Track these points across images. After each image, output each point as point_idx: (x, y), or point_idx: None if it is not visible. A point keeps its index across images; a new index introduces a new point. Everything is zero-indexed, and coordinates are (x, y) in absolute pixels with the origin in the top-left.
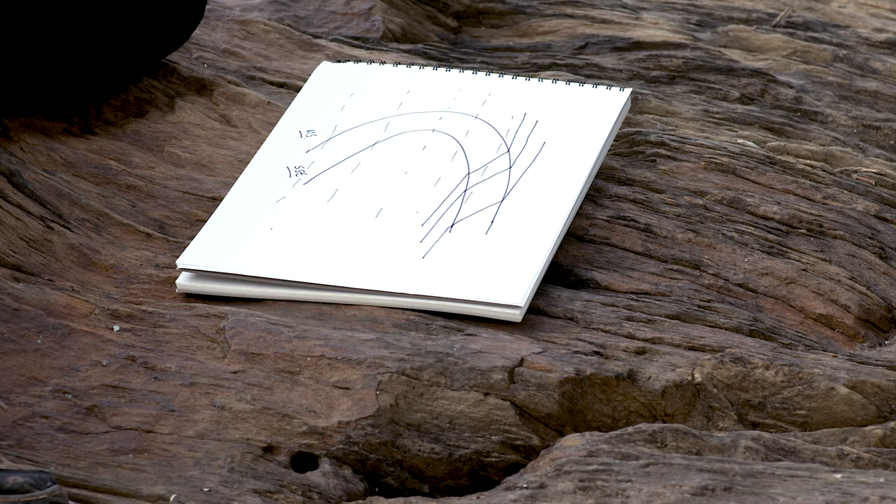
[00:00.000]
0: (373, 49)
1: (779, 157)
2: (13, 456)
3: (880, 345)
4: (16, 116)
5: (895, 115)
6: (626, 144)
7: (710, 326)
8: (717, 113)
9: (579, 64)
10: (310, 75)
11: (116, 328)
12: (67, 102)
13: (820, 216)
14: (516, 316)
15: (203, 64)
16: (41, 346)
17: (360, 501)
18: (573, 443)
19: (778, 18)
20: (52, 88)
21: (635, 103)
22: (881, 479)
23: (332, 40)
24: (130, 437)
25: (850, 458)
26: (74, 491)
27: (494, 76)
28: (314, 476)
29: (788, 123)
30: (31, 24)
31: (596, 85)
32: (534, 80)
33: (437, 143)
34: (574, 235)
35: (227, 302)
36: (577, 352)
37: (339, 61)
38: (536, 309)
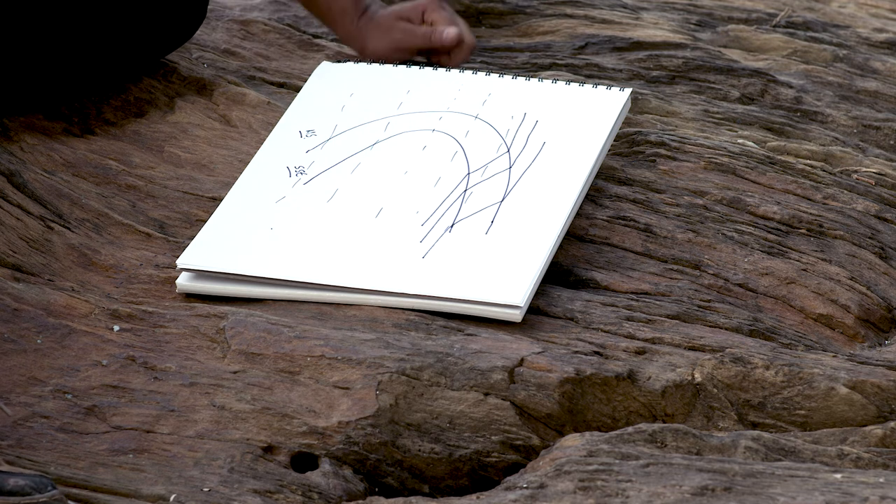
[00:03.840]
0: None
1: (779, 157)
2: (13, 456)
3: (880, 345)
4: (16, 115)
5: (895, 115)
6: (626, 144)
7: (710, 326)
8: (717, 113)
9: (579, 64)
10: (310, 75)
11: (116, 328)
12: (69, 101)
13: (820, 216)
14: (516, 316)
15: (203, 64)
16: (41, 346)
17: (360, 501)
18: (573, 443)
19: (778, 18)
20: (54, 87)
21: (635, 103)
22: (881, 479)
23: (332, 40)
24: (130, 437)
25: (850, 458)
26: (74, 491)
27: (494, 76)
28: (314, 476)
29: (788, 123)
30: (33, 23)
31: (596, 85)
32: (534, 80)
33: (437, 143)
34: (574, 235)
35: (227, 302)
36: (577, 352)
37: (339, 61)
38: (536, 309)
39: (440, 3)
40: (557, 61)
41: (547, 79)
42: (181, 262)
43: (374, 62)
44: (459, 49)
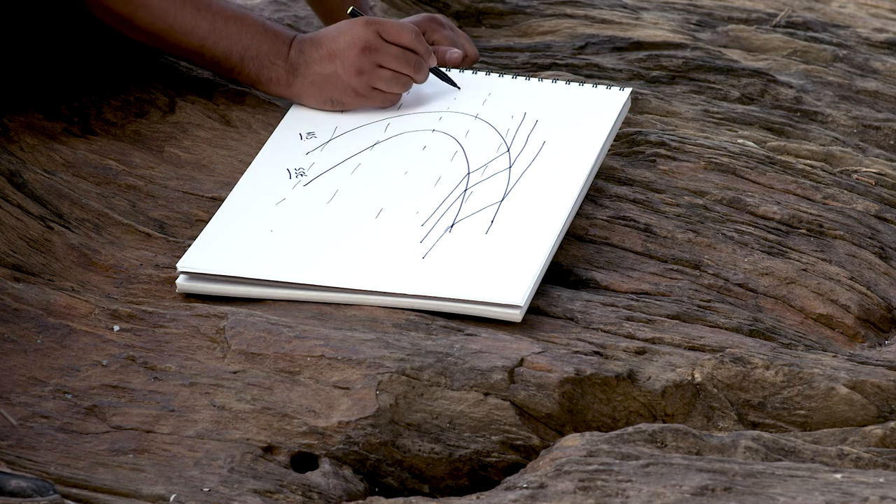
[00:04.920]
0: None
1: (779, 157)
2: (13, 456)
3: (880, 345)
4: (16, 112)
5: (895, 115)
6: (626, 144)
7: (710, 326)
8: (717, 113)
9: (579, 64)
10: None
11: (116, 328)
12: (67, 98)
13: (820, 216)
14: (516, 316)
15: None
16: (41, 346)
17: (360, 501)
18: (573, 443)
19: (778, 18)
20: (52, 83)
21: (635, 103)
22: (881, 479)
23: None
24: (130, 437)
25: (850, 458)
26: (74, 491)
27: (494, 76)
28: (314, 476)
29: (788, 123)
30: (32, 20)
31: (596, 85)
32: (534, 80)
33: (437, 143)
34: (574, 235)
35: (227, 302)
36: (577, 352)
37: None
38: (536, 309)
39: (439, 20)
40: (557, 61)
41: (547, 79)
42: (181, 265)
43: None
44: (462, 64)
